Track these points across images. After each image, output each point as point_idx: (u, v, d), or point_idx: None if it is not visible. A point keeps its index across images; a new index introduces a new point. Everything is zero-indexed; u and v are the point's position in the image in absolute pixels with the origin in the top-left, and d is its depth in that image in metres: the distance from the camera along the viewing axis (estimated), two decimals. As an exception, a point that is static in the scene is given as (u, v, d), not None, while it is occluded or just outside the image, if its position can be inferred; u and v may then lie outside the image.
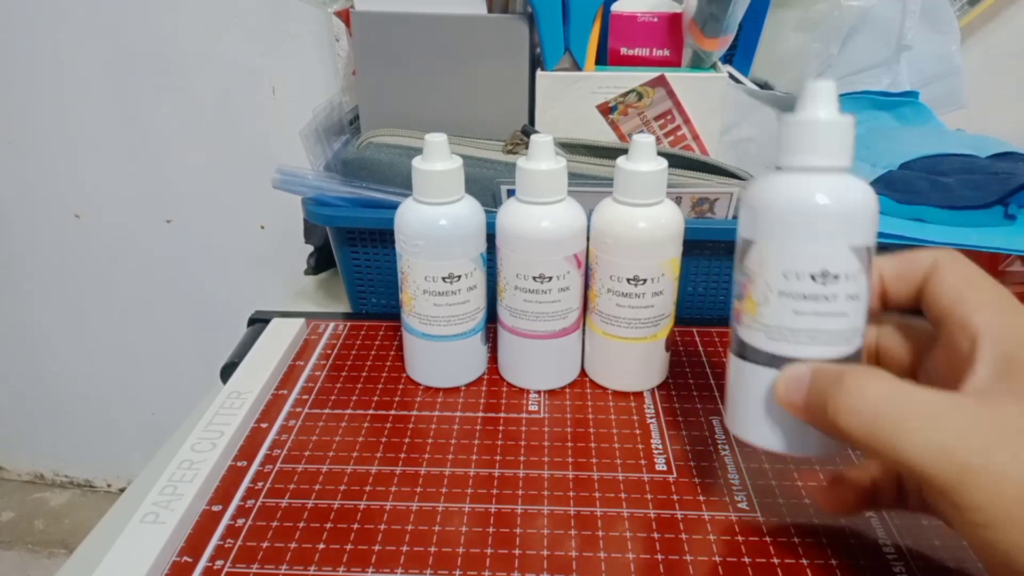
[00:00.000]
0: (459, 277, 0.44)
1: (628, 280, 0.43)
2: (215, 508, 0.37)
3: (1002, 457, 0.23)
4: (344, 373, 0.49)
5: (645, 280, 0.42)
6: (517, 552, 0.35)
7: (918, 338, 0.32)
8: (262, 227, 1.01)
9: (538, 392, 0.47)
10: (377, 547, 0.35)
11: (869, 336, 0.33)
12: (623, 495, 0.38)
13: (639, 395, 0.46)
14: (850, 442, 0.27)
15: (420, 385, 0.48)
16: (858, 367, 0.28)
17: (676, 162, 0.49)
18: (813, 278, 0.29)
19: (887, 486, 0.32)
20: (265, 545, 0.35)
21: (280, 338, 0.51)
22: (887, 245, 0.51)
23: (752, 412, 0.32)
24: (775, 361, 0.31)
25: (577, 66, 0.55)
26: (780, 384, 0.30)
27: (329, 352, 0.51)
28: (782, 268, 0.30)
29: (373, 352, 0.51)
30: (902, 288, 0.31)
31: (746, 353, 0.32)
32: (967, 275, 0.29)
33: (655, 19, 0.56)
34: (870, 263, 0.30)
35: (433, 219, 0.43)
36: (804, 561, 0.34)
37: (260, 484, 0.39)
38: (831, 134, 0.29)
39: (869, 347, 0.33)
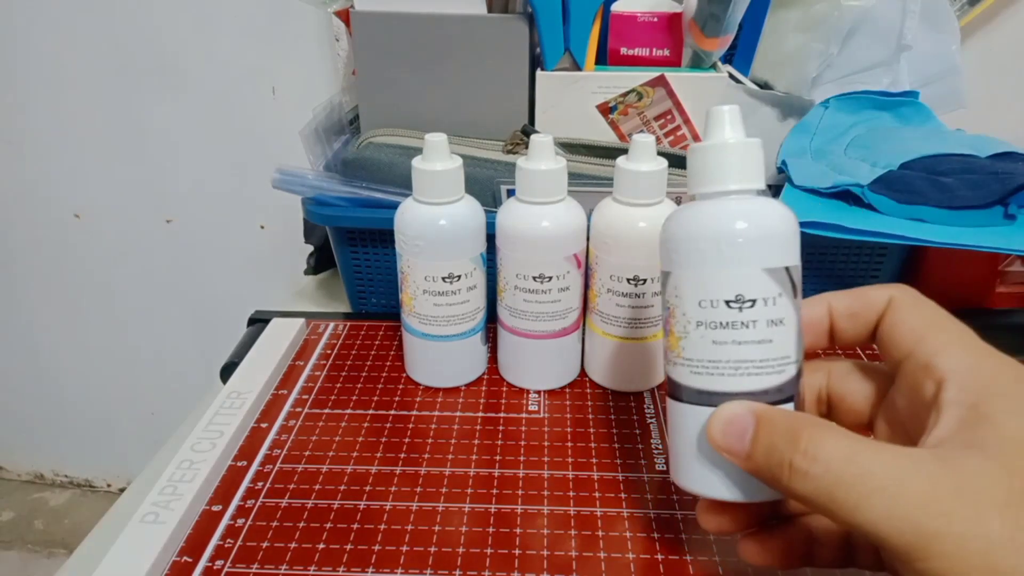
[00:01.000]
0: (459, 277, 0.44)
1: (628, 280, 0.43)
2: (215, 508, 0.37)
3: (962, 523, 0.22)
4: (344, 373, 0.49)
5: (645, 280, 0.42)
6: (517, 552, 0.35)
7: (874, 381, 0.30)
8: (262, 227, 1.01)
9: (538, 392, 0.47)
10: (377, 547, 0.35)
11: (818, 380, 0.31)
12: (623, 495, 0.38)
13: (639, 395, 0.46)
14: (802, 503, 0.25)
15: (420, 385, 0.48)
16: (812, 421, 0.26)
17: (676, 162, 0.49)
18: (728, 304, 0.28)
19: (829, 542, 0.30)
20: (265, 545, 0.35)
21: (280, 338, 0.51)
22: (887, 245, 0.51)
23: (688, 457, 0.29)
24: (703, 397, 0.29)
25: (577, 66, 0.55)
26: (714, 427, 0.28)
27: (329, 352, 0.51)
28: (697, 296, 0.28)
29: (373, 352, 0.51)
30: (854, 326, 0.30)
31: (673, 392, 0.30)
32: (928, 314, 0.28)
33: (655, 19, 0.56)
34: (794, 286, 0.28)
35: (433, 219, 0.43)
36: (804, 561, 0.34)
37: (260, 484, 0.39)
38: (737, 157, 0.28)
39: (820, 392, 0.31)
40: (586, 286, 0.45)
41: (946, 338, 0.27)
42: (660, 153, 0.42)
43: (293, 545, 0.35)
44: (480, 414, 0.45)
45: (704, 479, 0.29)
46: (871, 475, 0.23)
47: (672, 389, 0.30)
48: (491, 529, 0.36)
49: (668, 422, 0.31)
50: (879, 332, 0.29)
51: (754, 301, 0.28)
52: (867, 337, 0.30)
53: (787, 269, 0.28)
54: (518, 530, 0.36)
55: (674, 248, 0.29)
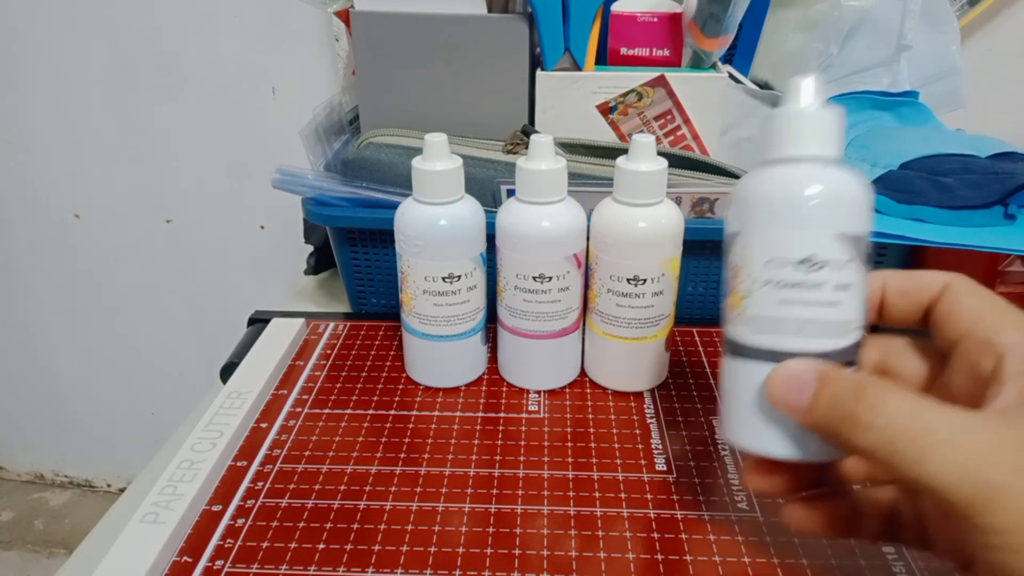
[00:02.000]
0: (459, 277, 0.44)
1: (628, 280, 0.43)
2: (215, 508, 0.37)
3: None
4: (344, 373, 0.49)
5: (645, 280, 0.42)
6: (517, 552, 0.35)
7: (929, 359, 0.31)
8: (262, 227, 1.01)
9: (538, 392, 0.47)
10: (377, 547, 0.35)
11: (874, 355, 0.31)
12: (623, 495, 0.38)
13: (639, 395, 0.46)
14: (863, 457, 0.26)
15: (420, 385, 0.48)
16: (876, 379, 0.26)
17: (676, 162, 0.49)
18: (797, 265, 0.28)
19: (875, 515, 0.30)
20: (265, 545, 0.35)
21: (280, 338, 0.51)
22: (887, 245, 0.51)
23: (742, 413, 0.30)
24: (762, 355, 0.29)
25: (577, 66, 0.55)
26: (775, 381, 0.28)
27: (329, 352, 0.51)
28: (765, 256, 0.29)
29: (373, 352, 0.51)
30: (905, 305, 0.30)
31: (733, 349, 0.31)
32: (986, 297, 0.28)
33: (655, 19, 0.56)
34: (864, 255, 0.29)
35: (433, 219, 0.43)
36: (804, 561, 0.34)
37: (260, 484, 0.39)
38: (816, 124, 0.29)
39: (877, 365, 0.32)
40: (586, 286, 0.45)
41: (1004, 318, 0.27)
42: (660, 153, 0.42)
43: (293, 545, 0.35)
44: (480, 414, 0.45)
45: (758, 436, 0.30)
46: (935, 429, 0.24)
47: (731, 347, 0.31)
48: (491, 529, 0.36)
49: (723, 380, 0.31)
50: (935, 313, 0.29)
51: (823, 264, 0.28)
52: (915, 318, 0.30)
53: (859, 237, 0.29)
54: (518, 530, 0.36)
55: (747, 207, 0.30)
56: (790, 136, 0.29)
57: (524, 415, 0.45)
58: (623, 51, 0.57)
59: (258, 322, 0.55)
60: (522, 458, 0.41)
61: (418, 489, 0.39)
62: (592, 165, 0.51)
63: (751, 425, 0.30)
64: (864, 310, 0.29)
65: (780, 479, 0.30)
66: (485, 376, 0.49)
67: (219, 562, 0.34)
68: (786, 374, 0.28)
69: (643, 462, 0.40)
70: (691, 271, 0.54)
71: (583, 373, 0.48)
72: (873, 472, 0.31)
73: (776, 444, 0.29)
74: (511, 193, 0.44)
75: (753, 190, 0.30)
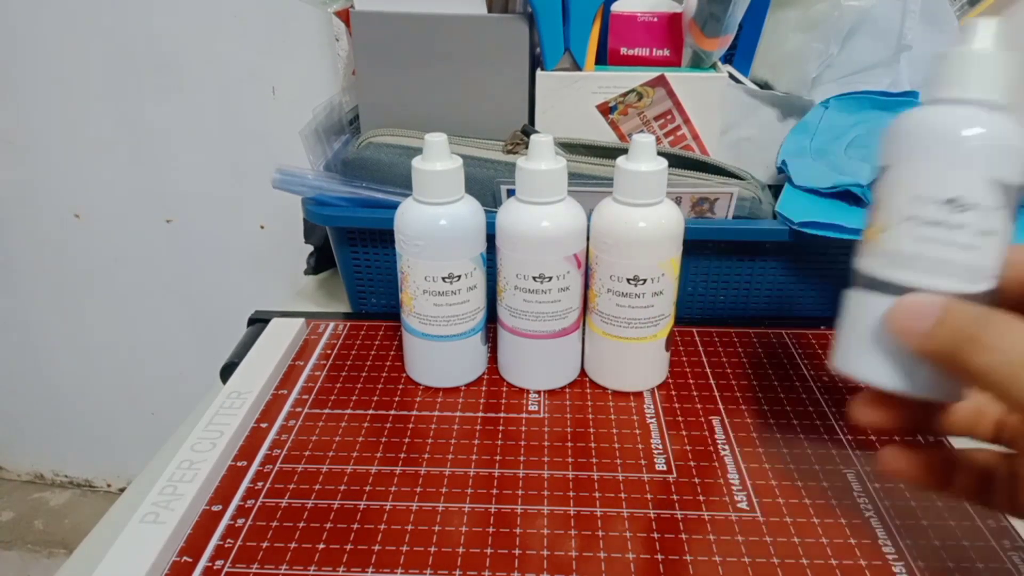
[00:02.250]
0: (459, 277, 0.44)
1: (628, 280, 0.43)
2: (215, 508, 0.37)
3: None
4: (344, 373, 0.49)
5: (645, 280, 0.42)
6: (517, 552, 0.35)
7: None
8: (262, 227, 1.01)
9: (538, 392, 0.47)
10: (377, 547, 0.35)
11: None
12: (623, 495, 0.38)
13: (639, 395, 0.46)
14: (980, 382, 0.25)
15: (420, 385, 0.48)
16: (1004, 313, 0.26)
17: (676, 162, 0.49)
18: (942, 204, 0.28)
19: (971, 472, 0.30)
20: (265, 545, 0.35)
21: (280, 338, 0.51)
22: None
23: (861, 344, 0.30)
24: (891, 289, 0.29)
25: (577, 66, 0.55)
26: (897, 310, 0.28)
27: (329, 352, 0.51)
28: (912, 192, 0.29)
29: (373, 352, 0.51)
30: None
31: (860, 281, 0.31)
32: None
33: (655, 19, 0.56)
34: (1013, 206, 0.28)
35: (433, 219, 0.43)
36: (804, 561, 0.34)
37: (260, 484, 0.39)
38: (986, 68, 0.29)
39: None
40: (586, 286, 0.45)
41: None
42: (660, 153, 0.42)
43: (293, 545, 0.35)
44: (480, 414, 0.45)
45: (873, 367, 0.30)
46: None
47: (861, 279, 0.31)
48: (491, 529, 0.36)
49: (845, 312, 0.31)
50: None
51: (969, 207, 0.28)
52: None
53: (1011, 186, 0.28)
54: (518, 530, 0.36)
55: (901, 141, 0.30)
56: (957, 77, 0.29)
57: (524, 415, 0.45)
58: (623, 51, 0.57)
59: (258, 322, 0.55)
60: (522, 458, 0.41)
61: (418, 489, 0.39)
62: (592, 165, 0.51)
63: (867, 356, 0.30)
64: (1000, 262, 0.29)
65: (888, 415, 0.30)
66: (485, 376, 0.49)
67: (219, 562, 0.34)
68: (910, 302, 0.28)
69: (643, 462, 0.40)
70: (691, 271, 0.54)
71: (583, 373, 0.48)
72: (977, 424, 0.31)
73: (889, 376, 0.29)
74: (511, 193, 0.44)
75: (910, 125, 0.30)
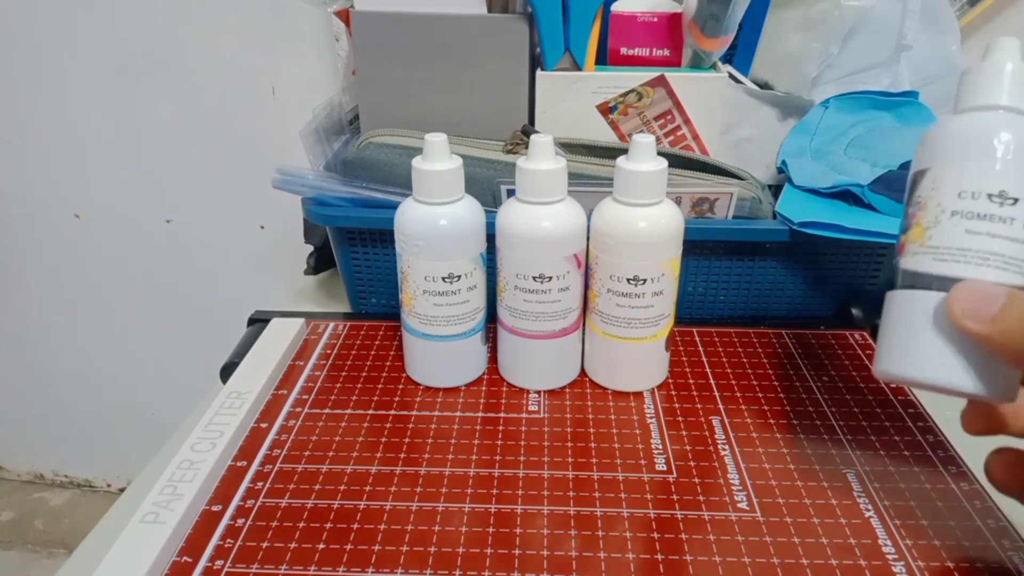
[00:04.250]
0: (459, 277, 0.44)
1: (628, 280, 0.43)
2: (215, 508, 0.37)
3: None
4: (344, 373, 0.49)
5: (645, 280, 0.42)
6: (517, 552, 0.35)
7: None
8: (262, 227, 1.01)
9: (538, 392, 0.47)
10: (377, 547, 0.35)
11: None
12: (623, 495, 0.38)
13: (639, 395, 0.46)
14: None
15: (420, 385, 0.48)
16: None
17: (676, 162, 0.49)
18: (990, 197, 0.29)
19: None
20: (265, 545, 0.35)
21: (280, 338, 0.51)
22: (887, 245, 0.51)
23: (909, 343, 0.30)
24: (942, 283, 0.29)
25: (577, 66, 0.55)
26: (959, 296, 0.28)
27: (329, 352, 0.51)
28: (958, 188, 0.30)
29: (373, 352, 0.51)
30: None
31: (905, 281, 0.31)
32: None
33: (655, 19, 0.56)
34: None
35: (433, 219, 0.43)
36: (804, 561, 0.34)
37: (260, 484, 0.39)
38: (1012, 78, 0.30)
39: None
40: (586, 286, 0.45)
41: None
42: (660, 153, 0.42)
43: (293, 545, 0.35)
44: (480, 414, 0.45)
45: (927, 366, 0.30)
46: None
47: (906, 279, 0.31)
48: (491, 529, 0.36)
49: (889, 314, 0.31)
50: None
51: (1017, 200, 0.29)
52: None
53: None
54: (518, 530, 0.36)
55: (942, 144, 0.31)
56: (991, 87, 0.30)
57: (524, 415, 0.45)
58: (623, 51, 0.57)
59: (258, 322, 0.55)
60: (522, 458, 0.41)
61: (418, 489, 0.39)
62: (592, 165, 0.51)
63: (919, 355, 0.30)
64: None
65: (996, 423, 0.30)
66: (485, 376, 0.49)
67: (219, 562, 0.34)
68: (971, 287, 0.28)
69: (643, 462, 0.40)
70: (691, 271, 0.54)
71: (583, 373, 0.48)
72: None
73: (944, 374, 0.29)
74: (511, 193, 0.44)
75: (950, 128, 0.31)
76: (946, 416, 0.44)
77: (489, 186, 0.52)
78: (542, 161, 0.42)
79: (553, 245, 0.42)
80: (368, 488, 0.39)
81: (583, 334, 0.47)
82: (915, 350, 0.30)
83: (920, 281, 0.30)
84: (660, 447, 0.42)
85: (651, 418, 0.44)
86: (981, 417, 0.30)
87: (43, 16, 0.91)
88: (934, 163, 0.31)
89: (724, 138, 0.57)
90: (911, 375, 0.30)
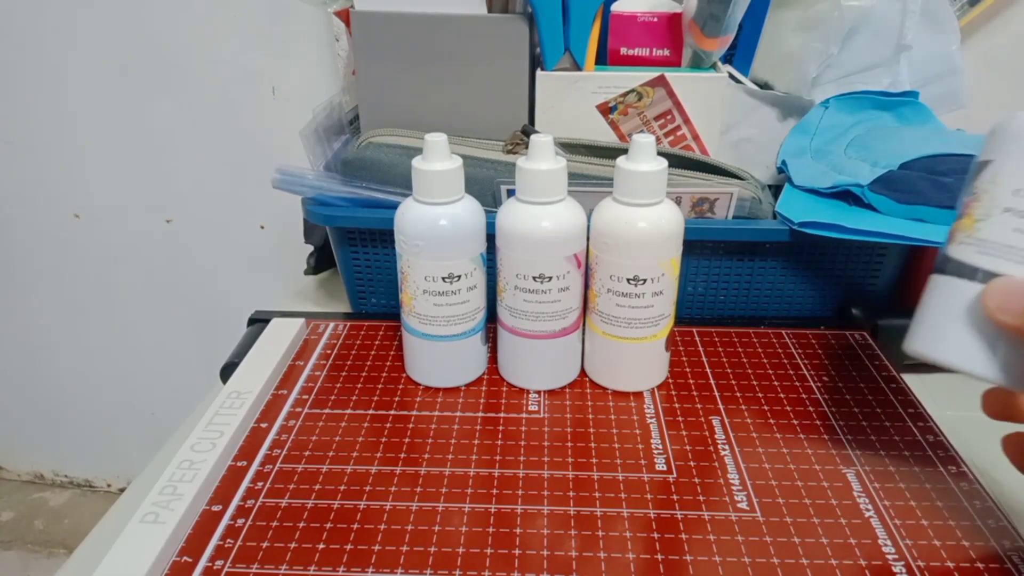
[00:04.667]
0: (459, 277, 0.44)
1: (628, 280, 0.43)
2: (215, 508, 0.37)
3: None
4: (344, 373, 0.49)
5: (645, 280, 0.42)
6: (517, 552, 0.35)
7: None
8: (262, 227, 1.01)
9: (538, 392, 0.47)
10: (377, 547, 0.35)
11: None
12: (623, 495, 0.38)
13: (639, 395, 0.46)
14: None
15: (420, 385, 0.48)
16: None
17: (676, 162, 0.49)
18: None
19: None
20: (265, 545, 0.35)
21: (280, 338, 0.51)
22: (887, 245, 0.51)
23: (944, 327, 0.31)
24: (981, 276, 0.30)
25: (577, 66, 0.55)
26: (996, 289, 0.29)
27: (329, 352, 0.51)
28: (1015, 185, 0.30)
29: (373, 352, 0.51)
30: None
31: (949, 268, 0.31)
32: None
33: (655, 19, 0.56)
34: None
35: (433, 219, 0.43)
36: (804, 561, 0.34)
37: (260, 484, 0.39)
38: None
39: None
40: (586, 286, 0.45)
41: None
42: (660, 153, 0.42)
43: (293, 545, 0.35)
44: (480, 414, 0.45)
45: (958, 350, 0.31)
46: None
47: (950, 266, 0.32)
48: (491, 529, 0.36)
49: (929, 296, 0.32)
50: None
51: None
52: None
53: None
54: (518, 530, 0.36)
55: (1009, 138, 0.31)
56: None
57: (524, 415, 0.45)
58: (623, 51, 0.57)
59: (258, 322, 0.55)
60: (522, 458, 0.41)
61: (418, 489, 0.39)
62: (592, 165, 0.51)
63: (951, 340, 0.31)
64: None
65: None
66: (485, 376, 0.49)
67: (219, 562, 0.34)
68: (1008, 283, 0.29)
69: (643, 462, 0.40)
70: (691, 271, 0.54)
71: (583, 373, 0.48)
72: None
73: (971, 360, 0.30)
74: (511, 193, 0.44)
75: (1019, 124, 0.31)
76: (946, 416, 0.44)
77: (489, 186, 0.52)
78: (542, 161, 0.42)
79: (553, 245, 0.42)
80: (368, 488, 0.39)
81: (583, 334, 0.47)
82: (948, 335, 0.31)
83: (961, 270, 0.31)
84: (660, 447, 0.42)
85: (651, 418, 0.44)
86: (1001, 404, 0.32)
87: (43, 16, 0.91)
88: (998, 156, 0.31)
89: (724, 138, 0.57)
90: (941, 357, 0.31)
